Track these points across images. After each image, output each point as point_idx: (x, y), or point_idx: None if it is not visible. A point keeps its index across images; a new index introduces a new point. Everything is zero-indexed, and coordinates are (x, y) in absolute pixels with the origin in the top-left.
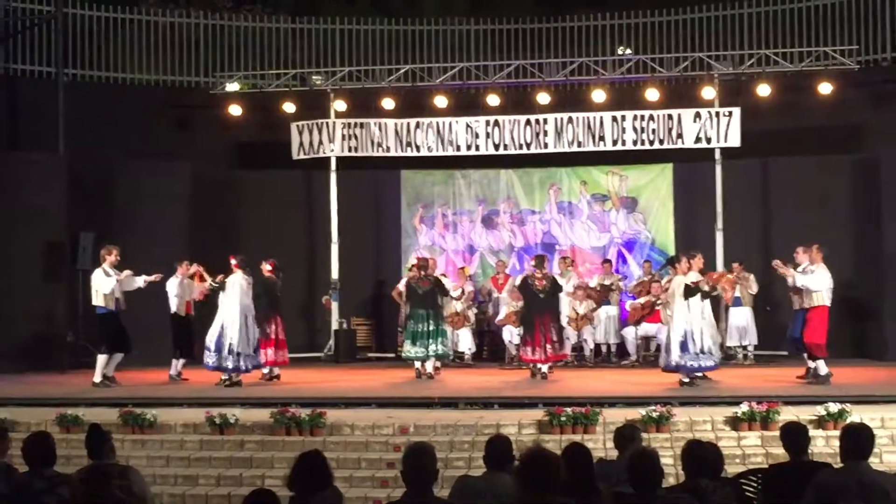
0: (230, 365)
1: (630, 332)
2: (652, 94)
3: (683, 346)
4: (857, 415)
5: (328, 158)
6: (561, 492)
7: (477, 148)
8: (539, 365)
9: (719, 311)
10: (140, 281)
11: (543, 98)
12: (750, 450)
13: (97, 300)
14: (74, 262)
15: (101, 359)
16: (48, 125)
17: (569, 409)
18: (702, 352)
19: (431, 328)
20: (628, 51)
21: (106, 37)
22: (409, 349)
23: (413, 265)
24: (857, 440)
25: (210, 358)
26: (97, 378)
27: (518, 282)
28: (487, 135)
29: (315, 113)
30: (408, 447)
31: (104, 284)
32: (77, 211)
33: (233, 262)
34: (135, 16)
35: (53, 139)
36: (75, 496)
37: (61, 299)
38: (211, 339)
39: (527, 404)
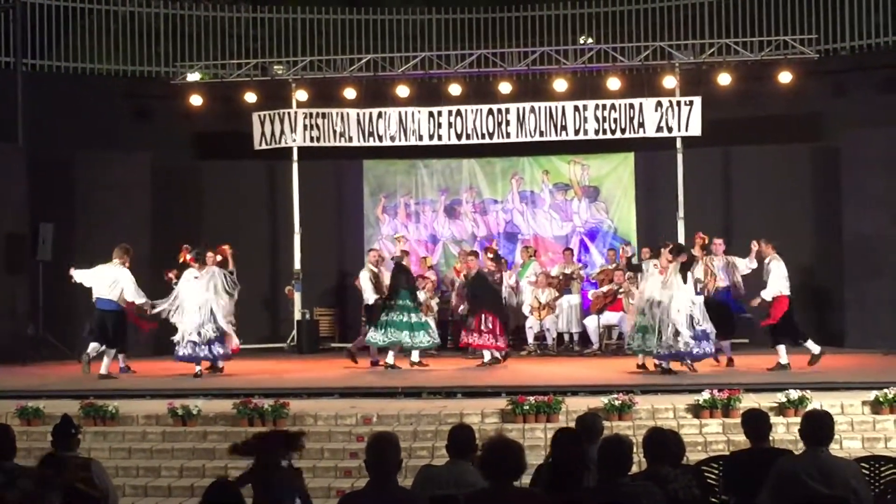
0: (202, 353)
1: (592, 321)
2: (613, 83)
3: (690, 329)
4: (817, 401)
5: (290, 148)
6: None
7: (439, 138)
8: (493, 352)
9: None
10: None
11: (505, 87)
12: (711, 437)
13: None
14: (35, 253)
15: (109, 352)
16: (7, 116)
17: (531, 398)
18: (702, 337)
19: (415, 320)
20: (590, 40)
21: (65, 27)
22: (377, 336)
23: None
24: (817, 427)
25: (184, 349)
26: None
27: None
28: (450, 124)
29: (276, 103)
30: (371, 437)
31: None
32: (37, 202)
33: (187, 256)
34: (94, 5)
35: (13, 130)
36: (36, 489)
37: (22, 291)
38: (179, 332)
39: (490, 393)
